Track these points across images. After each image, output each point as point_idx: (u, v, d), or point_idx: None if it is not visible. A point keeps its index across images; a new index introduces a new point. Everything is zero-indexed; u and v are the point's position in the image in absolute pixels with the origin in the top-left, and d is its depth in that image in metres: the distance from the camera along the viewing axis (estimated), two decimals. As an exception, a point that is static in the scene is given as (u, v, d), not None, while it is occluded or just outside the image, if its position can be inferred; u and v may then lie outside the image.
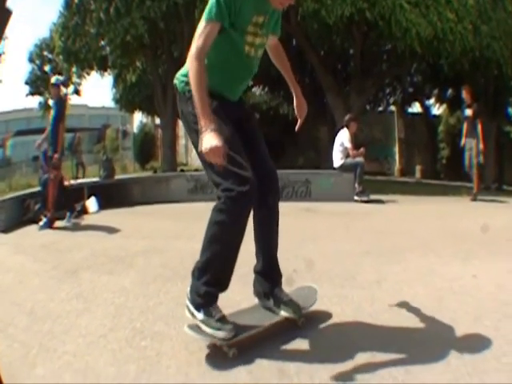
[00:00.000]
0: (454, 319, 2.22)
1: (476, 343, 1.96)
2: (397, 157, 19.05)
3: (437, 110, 20.16)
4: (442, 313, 2.30)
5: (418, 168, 17.68)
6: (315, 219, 5.78)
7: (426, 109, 19.45)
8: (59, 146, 5.13)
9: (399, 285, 2.82)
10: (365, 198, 7.20)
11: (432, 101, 19.21)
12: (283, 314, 2.06)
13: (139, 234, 4.67)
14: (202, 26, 1.90)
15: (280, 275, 2.18)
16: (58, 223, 5.28)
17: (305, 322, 2.11)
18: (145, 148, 21.18)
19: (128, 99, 17.97)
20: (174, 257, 3.45)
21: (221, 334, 1.79)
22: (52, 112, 5.28)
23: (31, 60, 17.27)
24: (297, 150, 18.36)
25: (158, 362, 1.77)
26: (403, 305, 2.42)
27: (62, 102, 5.43)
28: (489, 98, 14.73)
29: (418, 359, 1.80)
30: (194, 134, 1.92)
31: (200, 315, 1.85)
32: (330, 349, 1.90)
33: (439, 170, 18.19)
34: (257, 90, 20.04)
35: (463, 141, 7.81)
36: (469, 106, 7.81)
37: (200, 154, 1.84)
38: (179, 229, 4.57)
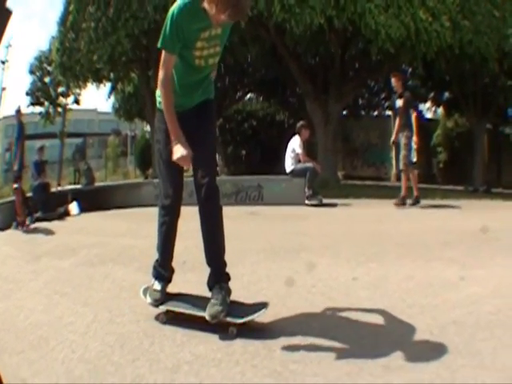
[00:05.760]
0: (288, 319, 2.50)
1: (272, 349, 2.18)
2: (393, 161, 19.81)
3: (431, 113, 20.89)
4: (275, 310, 2.53)
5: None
6: (250, 222, 6.48)
7: (419, 113, 20.34)
8: (17, 161, 6.75)
9: (261, 279, 3.28)
10: (315, 202, 7.67)
11: (428, 104, 19.98)
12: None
13: (98, 231, 6.11)
14: (163, 55, 2.28)
15: (219, 274, 2.47)
16: (41, 224, 6.86)
17: (235, 332, 2.33)
18: (146, 155, 22.29)
19: (126, 109, 19.73)
20: (109, 249, 4.71)
21: (148, 299, 2.59)
22: (15, 133, 7.01)
23: (31, 72, 19.02)
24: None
25: (56, 307, 3.09)
26: (245, 297, 2.63)
27: (21, 125, 7.10)
28: (478, 97, 14.59)
29: (207, 345, 2.28)
30: (156, 144, 2.61)
31: (151, 281, 2.66)
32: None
33: (435, 174, 18.64)
34: (253, 98, 21.30)
35: (394, 137, 7.23)
36: (400, 96, 7.25)
37: (157, 164, 2.55)
38: (131, 228, 5.99)
